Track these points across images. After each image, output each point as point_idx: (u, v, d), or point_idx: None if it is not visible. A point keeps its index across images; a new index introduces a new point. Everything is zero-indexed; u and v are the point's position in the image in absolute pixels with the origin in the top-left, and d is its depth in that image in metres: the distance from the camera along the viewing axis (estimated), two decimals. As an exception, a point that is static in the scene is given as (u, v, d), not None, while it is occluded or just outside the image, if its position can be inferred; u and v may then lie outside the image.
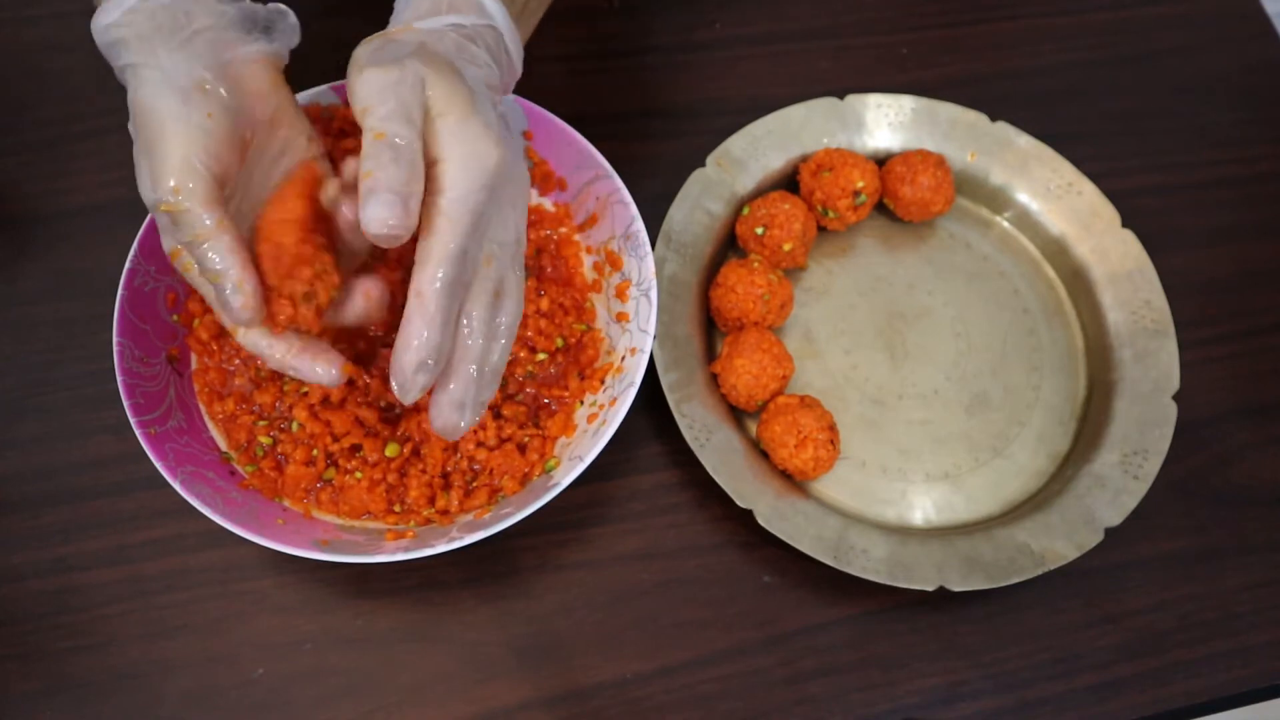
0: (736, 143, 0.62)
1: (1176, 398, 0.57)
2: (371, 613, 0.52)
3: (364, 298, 0.43)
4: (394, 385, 0.40)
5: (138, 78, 0.40)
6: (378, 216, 0.37)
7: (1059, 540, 0.53)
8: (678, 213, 0.59)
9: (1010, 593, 0.54)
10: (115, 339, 0.49)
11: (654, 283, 0.53)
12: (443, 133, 0.39)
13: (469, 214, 0.39)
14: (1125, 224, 0.61)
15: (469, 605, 0.52)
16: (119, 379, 0.48)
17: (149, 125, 0.40)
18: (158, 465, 0.46)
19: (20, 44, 0.65)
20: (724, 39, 0.69)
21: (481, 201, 0.40)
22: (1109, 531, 0.53)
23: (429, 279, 0.39)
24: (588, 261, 0.57)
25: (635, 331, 0.53)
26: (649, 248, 0.54)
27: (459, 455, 0.51)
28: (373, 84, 0.39)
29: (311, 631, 0.51)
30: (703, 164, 0.61)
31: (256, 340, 0.42)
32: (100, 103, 0.63)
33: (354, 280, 0.43)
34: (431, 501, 0.51)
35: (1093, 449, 0.56)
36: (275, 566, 0.52)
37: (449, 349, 0.41)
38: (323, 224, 0.43)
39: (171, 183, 0.39)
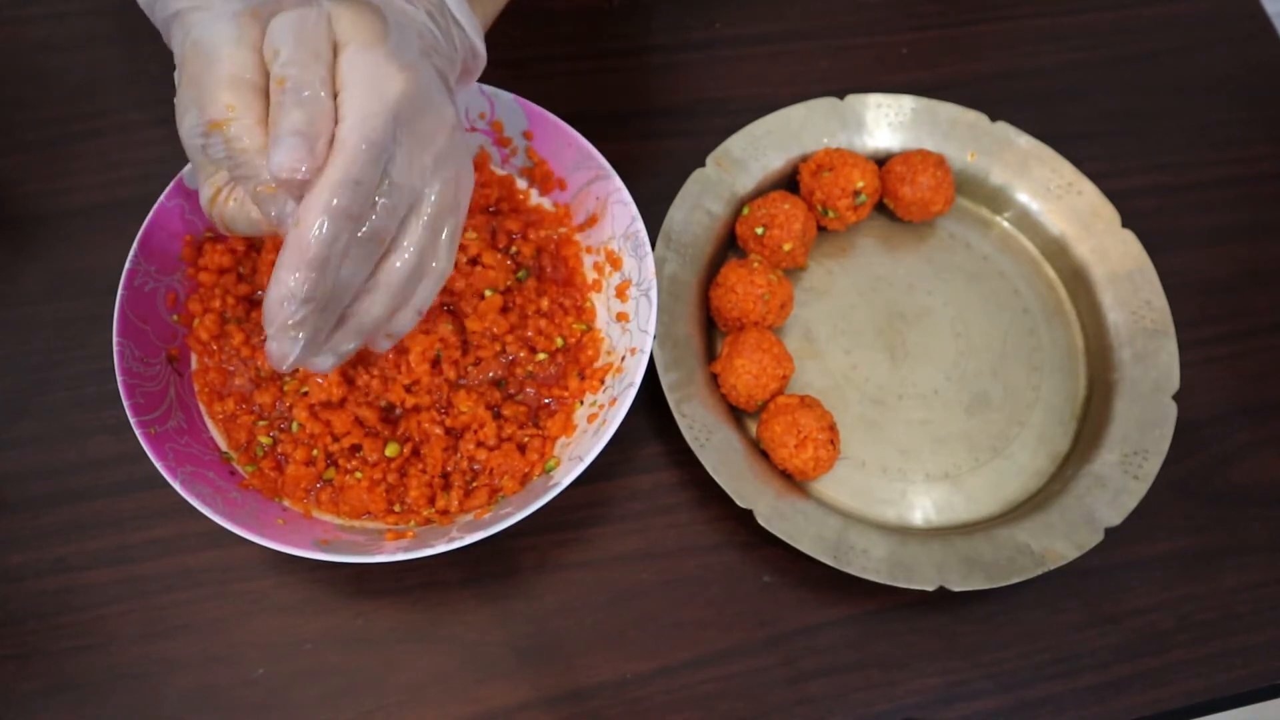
0: (736, 143, 0.62)
1: (1176, 398, 0.57)
2: (371, 613, 0.52)
3: None
4: (264, 317, 0.38)
5: (186, 23, 0.39)
6: (281, 162, 0.36)
7: (1059, 540, 0.53)
8: (678, 213, 0.59)
9: (1010, 593, 0.54)
10: (115, 339, 0.49)
11: (654, 283, 0.53)
12: (343, 63, 0.37)
13: (364, 142, 0.37)
14: (1125, 224, 0.61)
15: (469, 605, 0.52)
16: (119, 379, 0.48)
17: (199, 56, 0.38)
18: (158, 465, 0.46)
19: (20, 44, 0.65)
20: (724, 39, 0.69)
21: (379, 128, 0.37)
22: (1109, 531, 0.53)
23: (311, 205, 0.36)
24: (588, 261, 0.57)
25: (635, 331, 0.53)
26: (649, 248, 0.54)
27: (459, 455, 0.51)
28: (277, 27, 0.37)
29: (311, 631, 0.51)
30: (703, 164, 0.61)
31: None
32: (100, 103, 0.63)
33: None
34: (431, 501, 0.51)
35: (1093, 449, 0.56)
36: (275, 566, 0.52)
37: (326, 291, 0.38)
38: None
39: (226, 100, 0.37)
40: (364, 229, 0.38)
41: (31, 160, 0.61)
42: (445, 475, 0.51)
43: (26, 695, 0.49)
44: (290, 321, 0.37)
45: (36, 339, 0.57)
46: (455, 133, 0.41)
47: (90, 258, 0.58)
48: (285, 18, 0.38)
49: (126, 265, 0.50)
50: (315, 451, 0.51)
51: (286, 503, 0.51)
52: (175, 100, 0.39)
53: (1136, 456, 0.55)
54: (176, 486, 0.46)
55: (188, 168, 0.52)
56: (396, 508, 0.51)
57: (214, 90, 0.38)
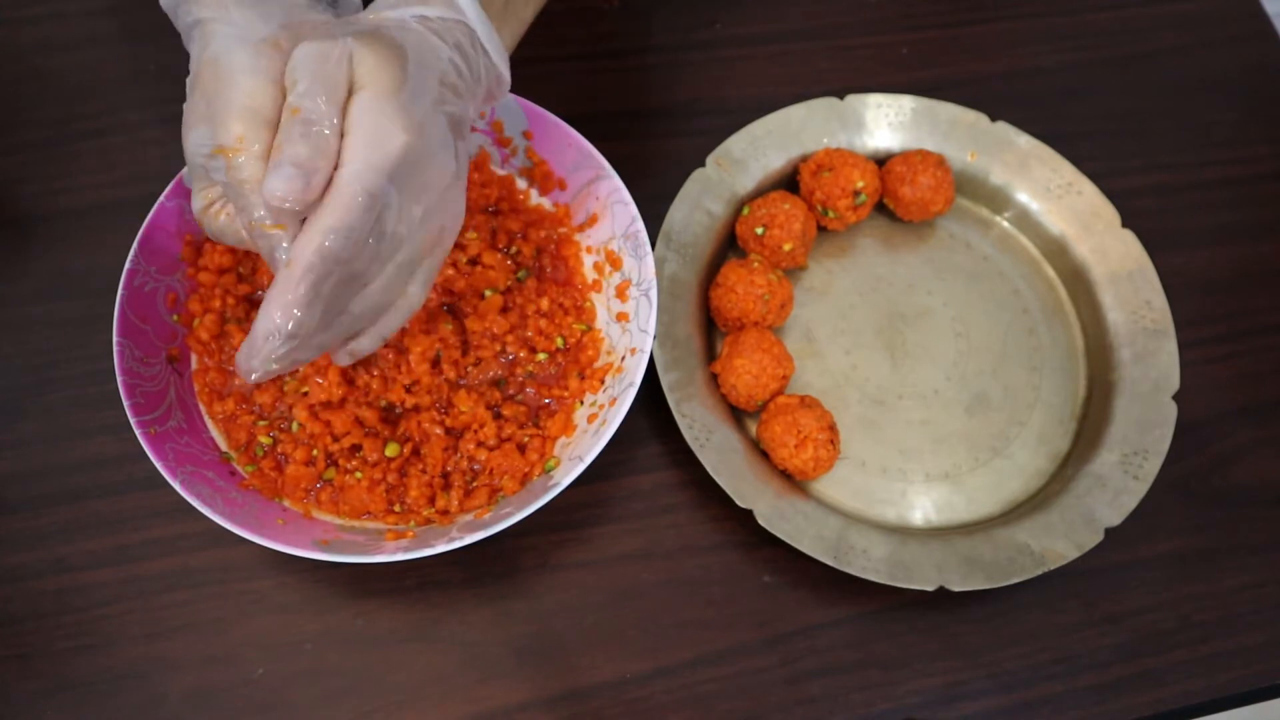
0: (736, 143, 0.62)
1: (1176, 398, 0.57)
2: (371, 613, 0.52)
3: None
4: (241, 349, 0.39)
5: (207, 33, 0.40)
6: (273, 189, 0.36)
7: (1059, 540, 0.53)
8: (678, 213, 0.59)
9: (1010, 593, 0.54)
10: (115, 339, 0.49)
11: (654, 283, 0.53)
12: (354, 108, 0.38)
13: (361, 192, 0.38)
14: (1125, 224, 0.61)
15: (469, 605, 0.52)
16: (119, 379, 0.48)
17: (217, 75, 0.39)
18: (158, 465, 0.46)
19: (20, 44, 0.65)
20: (724, 39, 0.69)
21: (376, 182, 0.38)
22: (1109, 531, 0.53)
23: (303, 247, 0.37)
24: (588, 261, 0.57)
25: (635, 331, 0.53)
26: (649, 248, 0.54)
27: (459, 455, 0.51)
28: (297, 58, 0.38)
29: (311, 631, 0.51)
30: (703, 164, 0.61)
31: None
32: (100, 103, 0.63)
33: None
34: (431, 501, 0.51)
35: (1093, 449, 0.56)
36: (275, 566, 0.52)
37: (311, 327, 0.39)
38: None
39: (238, 130, 0.38)
40: (353, 275, 0.39)
41: (31, 160, 0.61)
42: (445, 475, 0.51)
43: (26, 695, 0.49)
44: (273, 356, 0.39)
45: (36, 339, 0.57)
46: (452, 186, 0.43)
47: (90, 258, 0.58)
48: (310, 49, 0.38)
49: (126, 265, 0.50)
50: (315, 451, 0.51)
51: (286, 503, 0.51)
52: (185, 108, 0.40)
53: (1136, 456, 0.55)
54: (176, 486, 0.46)
55: (187, 168, 0.52)
56: (396, 508, 0.51)
57: (226, 116, 0.38)
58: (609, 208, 0.56)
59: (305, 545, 0.46)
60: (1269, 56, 0.72)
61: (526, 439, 0.52)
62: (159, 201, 0.52)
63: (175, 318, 0.53)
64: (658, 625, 0.52)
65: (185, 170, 0.52)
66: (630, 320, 0.54)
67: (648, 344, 0.51)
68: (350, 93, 0.38)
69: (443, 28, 0.42)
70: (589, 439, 0.50)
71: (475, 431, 0.51)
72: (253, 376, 0.40)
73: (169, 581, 0.52)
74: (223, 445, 0.52)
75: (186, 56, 0.41)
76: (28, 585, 0.51)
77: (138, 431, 0.47)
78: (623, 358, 0.53)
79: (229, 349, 0.52)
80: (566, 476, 0.48)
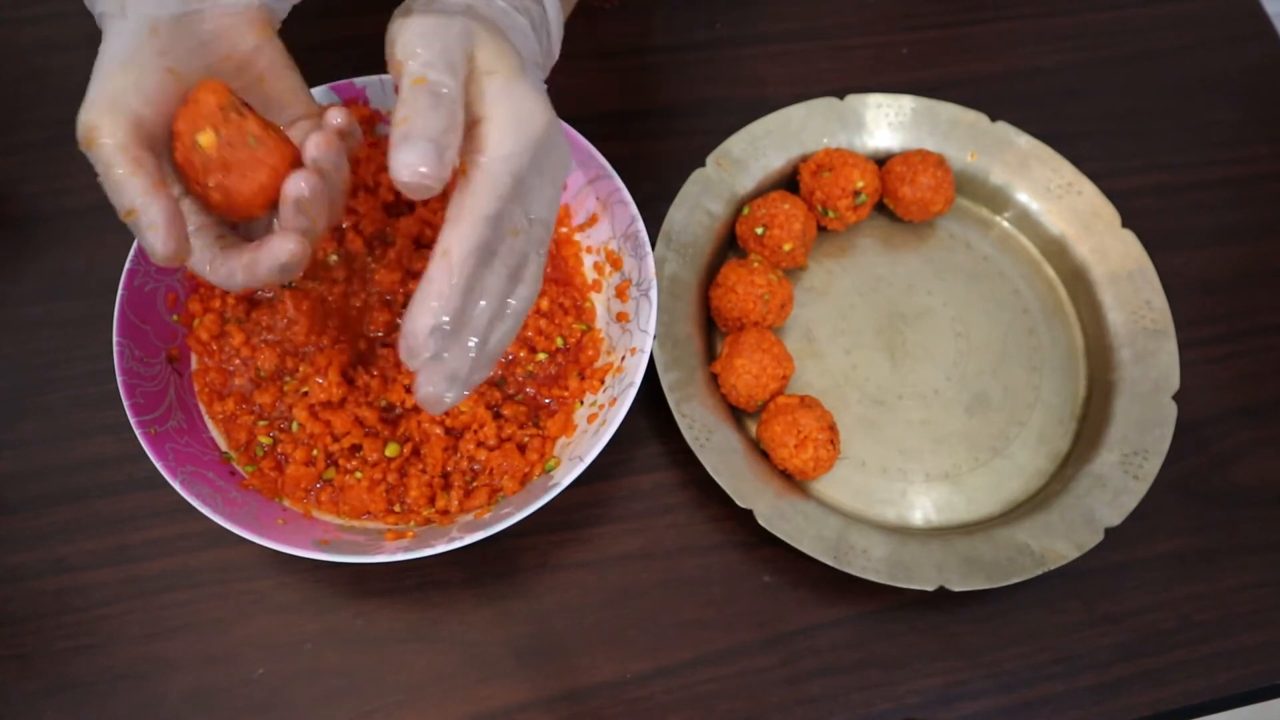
0: (736, 143, 0.62)
1: (1176, 398, 0.57)
2: (371, 613, 0.52)
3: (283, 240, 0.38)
4: (402, 347, 0.37)
5: (106, 29, 0.39)
6: (409, 162, 0.34)
7: (1059, 540, 0.53)
8: (678, 213, 0.59)
9: (1010, 593, 0.54)
10: (115, 339, 0.49)
11: (654, 283, 0.53)
12: (489, 90, 0.37)
13: (510, 175, 0.37)
14: (1125, 224, 0.61)
15: (469, 605, 0.52)
16: (119, 379, 0.48)
17: (96, 68, 0.38)
18: (158, 465, 0.46)
19: (20, 44, 0.65)
20: (724, 39, 0.69)
21: (524, 165, 0.37)
22: (1109, 531, 0.53)
23: (460, 237, 0.36)
24: (588, 261, 0.57)
25: (635, 331, 0.53)
26: (649, 248, 0.54)
27: (459, 455, 0.51)
28: (417, 29, 0.36)
29: (311, 631, 0.51)
30: (703, 164, 0.61)
31: (214, 271, 0.39)
32: (100, 103, 0.63)
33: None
34: (431, 501, 0.51)
35: (1093, 449, 0.56)
36: (275, 566, 0.52)
37: (468, 317, 0.38)
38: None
39: (90, 118, 0.37)
40: (508, 265, 0.38)
41: (31, 160, 0.61)
42: (445, 475, 0.51)
43: (26, 695, 0.49)
44: (430, 354, 0.37)
45: (36, 339, 0.57)
46: (567, 167, 0.42)
47: (90, 258, 0.58)
48: (427, 22, 0.37)
49: (126, 265, 0.51)
50: (315, 451, 0.51)
51: (286, 503, 0.51)
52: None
53: (1136, 456, 0.55)
54: (176, 486, 0.46)
55: None
56: (396, 508, 0.51)
57: (86, 110, 0.37)
58: (609, 208, 0.56)
59: (305, 545, 0.46)
60: (1269, 56, 0.72)
61: (526, 439, 0.52)
62: (159, 201, 0.52)
63: (175, 318, 0.53)
64: (658, 625, 0.52)
65: None
66: (630, 320, 0.54)
67: (648, 344, 0.51)
68: (472, 75, 0.37)
69: (521, 5, 0.42)
70: (589, 439, 0.50)
71: (475, 431, 0.51)
72: (440, 408, 0.39)
73: (169, 581, 0.52)
74: (223, 445, 0.52)
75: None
76: (28, 585, 0.51)
77: (138, 431, 0.47)
78: (623, 358, 0.53)
79: (229, 349, 0.52)
80: (566, 476, 0.48)
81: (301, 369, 0.51)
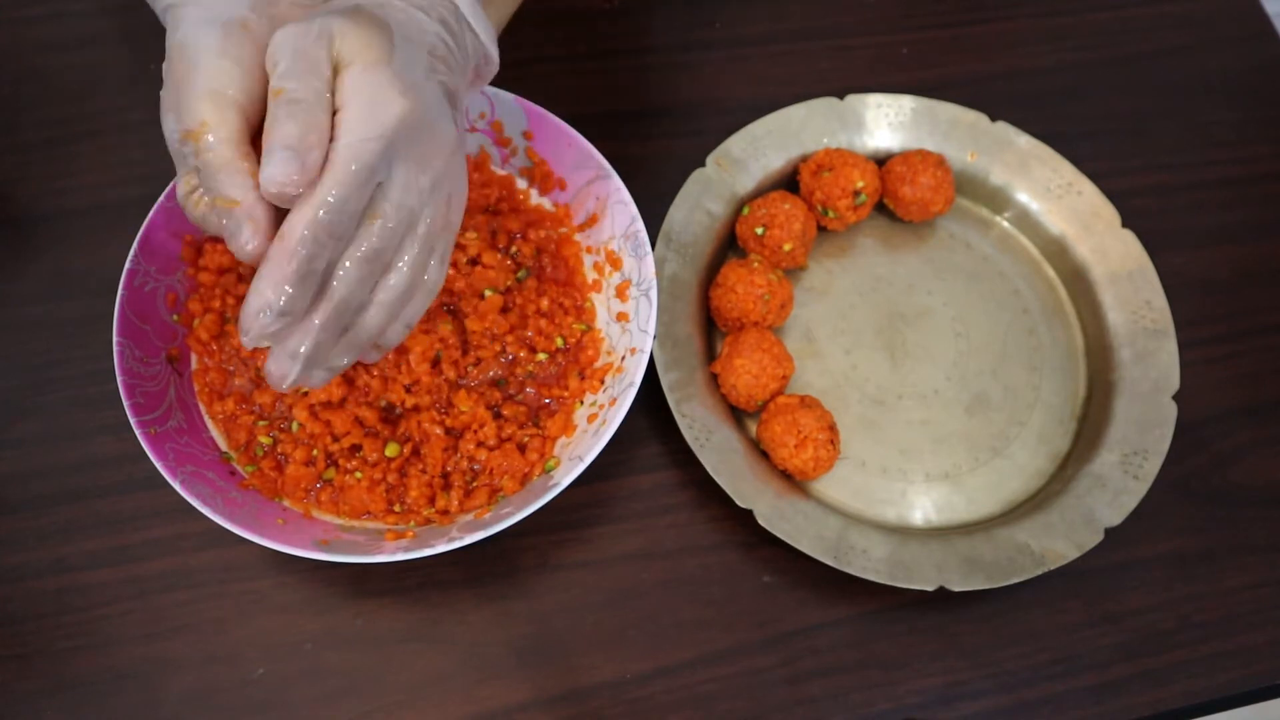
0: (736, 143, 0.62)
1: (1176, 398, 0.57)
2: (371, 613, 0.52)
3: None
4: (239, 326, 0.38)
5: (176, 18, 0.39)
6: (271, 176, 0.36)
7: (1059, 540, 0.53)
8: (678, 213, 0.59)
9: (1010, 593, 0.54)
10: (115, 339, 0.49)
11: (654, 283, 0.53)
12: (346, 81, 0.37)
13: (355, 161, 0.37)
14: (1125, 224, 0.61)
15: (469, 605, 0.52)
16: (119, 379, 0.48)
17: (184, 60, 0.38)
18: (158, 465, 0.46)
19: (20, 44, 0.65)
20: (724, 39, 0.69)
21: (374, 151, 0.37)
22: (1109, 531, 0.53)
23: (296, 221, 0.36)
24: (588, 261, 0.57)
25: (635, 331, 0.53)
26: (649, 248, 0.54)
27: (459, 455, 0.51)
28: (278, 39, 0.38)
29: (311, 631, 0.51)
30: (703, 164, 0.61)
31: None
32: (100, 103, 0.63)
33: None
34: (431, 501, 0.51)
35: (1093, 449, 0.56)
36: (275, 566, 0.52)
37: (303, 307, 0.38)
38: None
39: (203, 114, 0.37)
40: (363, 248, 0.38)
41: (31, 160, 0.61)
42: (445, 475, 0.51)
43: (26, 695, 0.49)
44: (265, 332, 0.38)
45: (36, 339, 0.57)
46: (454, 155, 0.42)
47: (90, 258, 0.58)
48: (288, 31, 0.38)
49: (126, 265, 0.50)
50: (315, 451, 0.51)
51: (286, 503, 0.51)
52: (161, 94, 0.40)
53: (1136, 456, 0.55)
54: (176, 486, 0.46)
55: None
56: (396, 508, 0.51)
57: (191, 100, 0.38)
58: (609, 208, 0.56)
59: (305, 545, 0.46)
60: (1269, 56, 0.72)
61: (526, 439, 0.52)
62: (159, 201, 0.52)
63: (175, 318, 0.53)
64: (658, 625, 0.52)
65: None
66: (630, 320, 0.54)
67: (648, 344, 0.51)
68: (337, 70, 0.38)
69: (427, 4, 0.42)
70: (589, 439, 0.50)
71: (475, 431, 0.51)
72: (284, 384, 0.39)
73: (169, 581, 0.52)
74: (223, 445, 0.52)
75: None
76: (28, 585, 0.51)
77: (138, 431, 0.47)
78: (623, 358, 0.53)
79: (229, 349, 0.52)
80: (566, 476, 0.48)
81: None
